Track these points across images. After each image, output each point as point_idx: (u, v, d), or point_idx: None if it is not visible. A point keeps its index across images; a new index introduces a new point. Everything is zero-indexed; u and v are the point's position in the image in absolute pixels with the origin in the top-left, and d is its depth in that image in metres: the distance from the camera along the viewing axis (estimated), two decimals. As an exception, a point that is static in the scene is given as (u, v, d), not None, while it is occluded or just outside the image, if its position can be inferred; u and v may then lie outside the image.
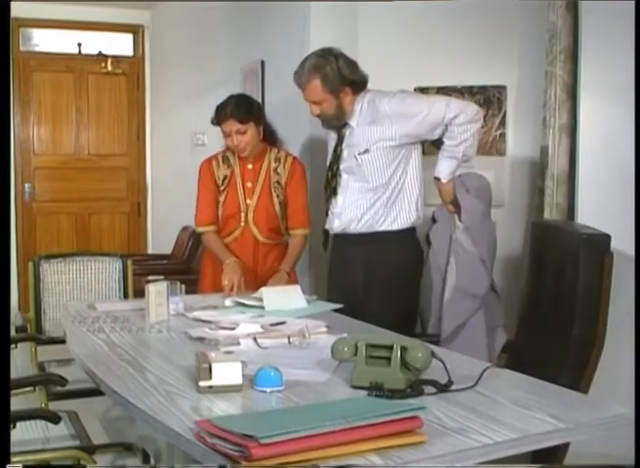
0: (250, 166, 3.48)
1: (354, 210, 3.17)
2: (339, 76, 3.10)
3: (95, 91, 7.04)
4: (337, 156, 3.23)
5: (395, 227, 3.15)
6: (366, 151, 3.12)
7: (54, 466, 2.38)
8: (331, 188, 3.25)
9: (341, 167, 3.21)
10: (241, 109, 3.35)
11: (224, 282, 3.20)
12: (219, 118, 3.39)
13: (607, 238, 2.44)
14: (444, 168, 3.12)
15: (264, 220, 3.47)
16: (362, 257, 3.17)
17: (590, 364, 2.32)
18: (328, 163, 3.30)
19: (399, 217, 3.15)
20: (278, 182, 3.47)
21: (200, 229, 3.53)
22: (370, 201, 3.15)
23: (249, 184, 3.47)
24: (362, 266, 3.17)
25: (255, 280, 3.33)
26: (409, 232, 3.19)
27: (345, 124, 3.19)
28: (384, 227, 3.15)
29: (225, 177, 3.48)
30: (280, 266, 3.43)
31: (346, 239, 3.22)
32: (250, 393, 1.80)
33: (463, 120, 3.02)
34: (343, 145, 3.21)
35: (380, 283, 3.13)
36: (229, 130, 3.36)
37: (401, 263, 3.15)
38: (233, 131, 3.36)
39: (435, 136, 3.11)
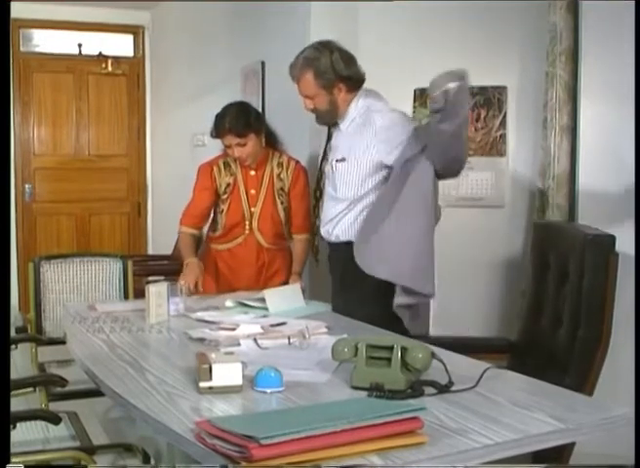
0: (252, 173, 3.45)
1: (327, 216, 3.06)
2: (332, 70, 2.97)
3: (95, 91, 7.03)
4: (324, 155, 3.17)
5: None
6: (343, 160, 2.99)
7: (54, 466, 2.38)
8: (319, 190, 3.17)
9: (324, 168, 3.13)
10: (239, 123, 3.30)
11: (181, 282, 3.17)
12: (217, 132, 3.36)
13: (612, 238, 2.43)
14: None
15: (269, 227, 3.45)
16: (338, 269, 3.09)
17: (595, 366, 2.32)
18: (319, 161, 3.22)
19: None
20: (282, 189, 3.46)
21: (184, 229, 3.50)
22: (335, 212, 3.01)
23: (252, 192, 3.45)
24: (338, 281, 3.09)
25: (260, 285, 3.31)
26: None
27: (336, 123, 3.08)
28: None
29: (228, 185, 3.44)
30: (292, 269, 3.45)
31: (330, 246, 3.12)
32: (250, 394, 1.80)
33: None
34: (328, 146, 3.13)
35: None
36: (229, 143, 3.35)
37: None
38: (233, 144, 3.34)
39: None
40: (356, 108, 3.02)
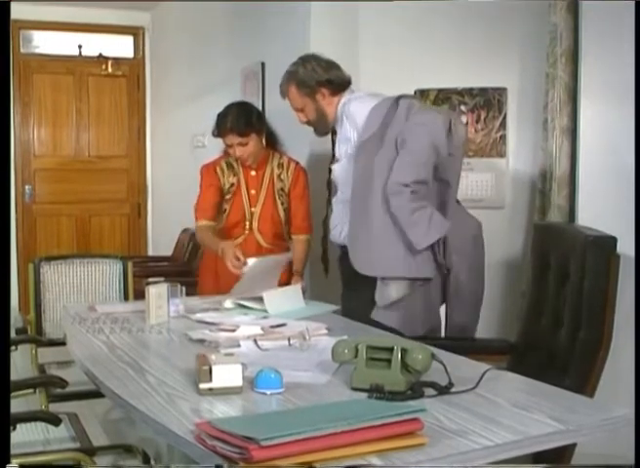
0: (253, 173, 3.46)
1: (335, 220, 3.08)
2: (311, 78, 3.03)
3: (95, 92, 7.04)
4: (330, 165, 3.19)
5: None
6: (337, 160, 3.04)
7: (54, 467, 2.38)
8: (329, 200, 3.20)
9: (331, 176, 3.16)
10: (241, 122, 3.31)
11: (230, 260, 3.09)
12: (219, 131, 3.36)
13: (613, 240, 2.43)
14: None
15: (269, 227, 3.45)
16: (347, 271, 3.06)
17: (596, 367, 2.31)
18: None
19: None
20: (282, 190, 3.46)
21: (200, 223, 3.45)
22: (342, 214, 3.01)
23: (253, 192, 3.45)
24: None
25: None
26: None
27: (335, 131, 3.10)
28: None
29: (232, 185, 3.44)
30: (293, 270, 3.44)
31: (340, 248, 3.12)
32: (250, 395, 1.80)
33: None
34: (333, 155, 3.15)
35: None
36: (231, 143, 3.35)
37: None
38: (235, 143, 3.34)
39: None
40: (340, 109, 3.04)
